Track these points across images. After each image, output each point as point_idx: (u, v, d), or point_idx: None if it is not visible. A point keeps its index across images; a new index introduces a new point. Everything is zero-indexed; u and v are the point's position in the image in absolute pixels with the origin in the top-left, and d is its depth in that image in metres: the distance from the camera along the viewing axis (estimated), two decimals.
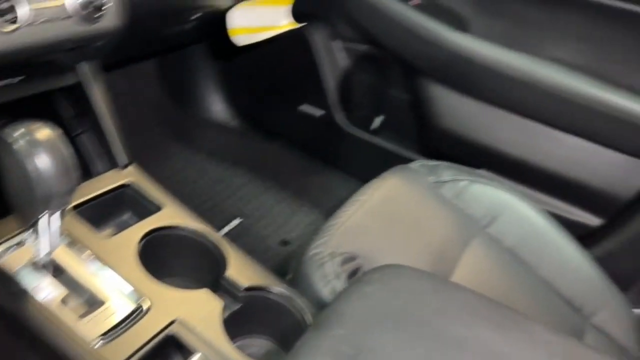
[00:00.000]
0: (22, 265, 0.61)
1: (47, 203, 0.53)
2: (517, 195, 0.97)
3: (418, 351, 0.45)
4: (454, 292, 0.53)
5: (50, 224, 0.57)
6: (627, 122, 1.03)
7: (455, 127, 1.20)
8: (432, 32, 1.13)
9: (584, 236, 1.09)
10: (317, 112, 1.35)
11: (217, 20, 1.04)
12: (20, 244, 0.64)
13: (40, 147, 0.51)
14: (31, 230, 0.58)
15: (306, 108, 1.37)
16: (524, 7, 1.11)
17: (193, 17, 1.00)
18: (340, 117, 1.34)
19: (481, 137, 1.18)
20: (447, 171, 1.01)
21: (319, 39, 1.29)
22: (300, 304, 0.68)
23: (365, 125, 1.34)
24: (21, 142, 0.50)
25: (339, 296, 0.55)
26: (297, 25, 1.09)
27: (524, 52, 1.10)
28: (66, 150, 0.53)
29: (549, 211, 0.99)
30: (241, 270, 0.70)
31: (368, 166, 1.14)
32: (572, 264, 0.95)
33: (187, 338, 0.60)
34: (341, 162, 1.40)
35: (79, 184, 0.55)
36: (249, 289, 0.68)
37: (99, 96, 0.79)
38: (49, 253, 0.59)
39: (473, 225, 0.93)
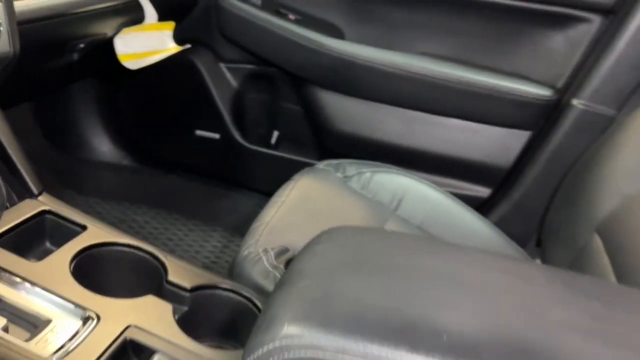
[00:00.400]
0: None
1: None
2: (415, 179, 1.06)
3: (383, 282, 0.49)
4: (396, 236, 0.59)
5: None
6: (494, 97, 1.17)
7: (347, 127, 1.29)
8: (313, 41, 1.21)
9: (479, 207, 1.21)
10: (214, 135, 1.38)
11: (104, 49, 1.04)
12: None
13: None
14: None
15: (202, 133, 1.38)
16: (391, 12, 1.23)
17: (79, 47, 0.99)
18: (238, 137, 1.37)
19: (372, 133, 1.28)
20: (350, 166, 1.08)
21: (204, 62, 1.32)
22: (247, 292, 0.70)
23: (264, 141, 1.39)
24: None
25: (293, 260, 0.57)
26: (182, 48, 1.13)
27: (397, 51, 1.22)
28: None
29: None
30: (182, 274, 0.70)
31: (273, 179, 1.18)
32: (474, 230, 1.05)
33: (145, 339, 0.59)
34: (245, 180, 1.42)
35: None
36: (193, 289, 0.69)
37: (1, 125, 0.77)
38: None
39: (384, 210, 1.01)
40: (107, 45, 1.04)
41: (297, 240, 0.85)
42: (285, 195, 0.95)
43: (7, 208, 0.70)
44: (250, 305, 0.69)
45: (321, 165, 1.07)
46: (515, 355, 0.40)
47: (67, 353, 0.56)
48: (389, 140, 1.27)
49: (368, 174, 1.06)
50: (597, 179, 0.95)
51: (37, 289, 0.62)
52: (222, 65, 1.35)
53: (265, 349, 0.45)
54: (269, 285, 0.75)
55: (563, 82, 1.16)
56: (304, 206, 0.95)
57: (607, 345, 0.41)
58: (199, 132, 1.39)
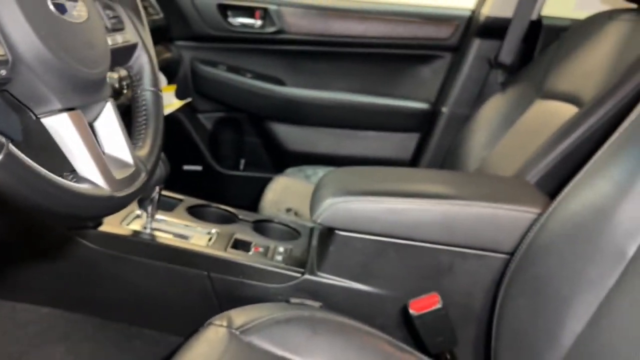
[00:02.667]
0: None
1: None
2: None
3: (376, 178, 1.01)
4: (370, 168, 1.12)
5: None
6: (392, 113, 1.76)
7: (295, 147, 1.81)
8: (266, 89, 1.74)
9: None
10: (197, 167, 1.84)
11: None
12: None
13: None
14: None
15: (189, 167, 1.84)
16: (316, 64, 1.80)
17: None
18: (215, 166, 1.85)
19: (313, 148, 1.81)
20: (306, 169, 1.60)
21: (185, 114, 1.80)
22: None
23: (235, 167, 1.88)
24: None
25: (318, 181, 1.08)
26: (184, 102, 1.61)
27: (321, 89, 1.79)
28: None
29: None
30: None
31: (244, 193, 1.68)
32: None
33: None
34: (222, 198, 1.88)
35: None
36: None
37: None
38: None
39: None
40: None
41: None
42: (275, 185, 1.46)
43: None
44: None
45: (289, 170, 1.59)
46: None
47: None
48: (325, 151, 1.81)
49: (320, 173, 1.59)
50: (464, 151, 1.54)
51: None
52: (199, 115, 1.83)
53: (322, 207, 0.95)
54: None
55: (434, 97, 1.78)
56: (290, 189, 1.45)
57: None
58: (185, 167, 1.84)
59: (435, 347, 0.97)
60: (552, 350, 0.74)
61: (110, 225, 1.03)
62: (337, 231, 0.99)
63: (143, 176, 0.68)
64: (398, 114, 1.78)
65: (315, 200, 1.01)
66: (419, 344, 0.98)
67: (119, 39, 0.73)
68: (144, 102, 0.76)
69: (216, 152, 1.87)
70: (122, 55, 0.75)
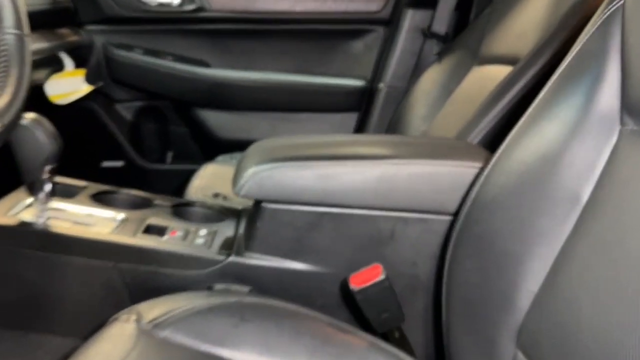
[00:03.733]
0: None
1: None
2: None
3: (299, 144, 0.90)
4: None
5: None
6: (328, 92, 1.67)
7: (226, 134, 1.69)
8: (189, 71, 1.61)
9: None
10: (118, 163, 1.68)
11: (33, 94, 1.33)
12: None
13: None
14: None
15: (108, 163, 1.68)
16: (244, 43, 1.68)
17: None
18: (138, 161, 1.70)
19: (247, 135, 1.68)
20: (239, 156, 1.48)
21: (101, 105, 1.64)
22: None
23: (161, 161, 1.73)
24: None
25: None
26: (95, 86, 1.46)
27: (250, 70, 1.67)
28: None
29: None
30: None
31: (172, 189, 1.54)
32: None
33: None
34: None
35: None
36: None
37: None
38: None
39: None
40: (36, 90, 1.34)
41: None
42: (203, 171, 1.33)
43: None
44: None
45: (219, 158, 1.46)
46: None
47: None
48: (259, 137, 1.67)
49: None
50: (404, 126, 1.46)
51: None
52: (117, 105, 1.68)
53: (244, 177, 0.84)
54: None
55: (370, 74, 1.69)
56: (219, 175, 1.33)
57: None
58: (105, 164, 1.68)
59: (382, 324, 0.86)
60: (508, 314, 0.66)
61: None
62: (263, 204, 0.88)
63: None
64: (334, 93, 1.68)
65: (237, 172, 0.89)
66: (363, 323, 0.87)
67: None
68: (3, 47, 0.62)
69: (139, 145, 1.72)
70: None
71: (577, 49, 0.68)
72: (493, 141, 1.07)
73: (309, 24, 1.67)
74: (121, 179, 1.70)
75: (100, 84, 1.51)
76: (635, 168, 0.56)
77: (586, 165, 0.62)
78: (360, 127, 1.67)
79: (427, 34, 1.59)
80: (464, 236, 0.77)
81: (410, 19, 1.61)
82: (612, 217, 0.56)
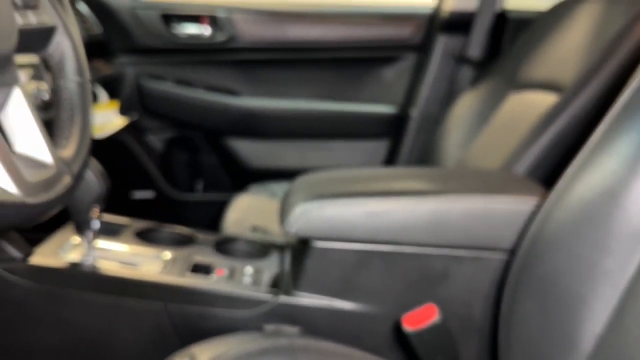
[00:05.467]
0: None
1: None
2: None
3: (347, 181, 0.89)
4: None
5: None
6: (358, 119, 1.66)
7: (256, 163, 1.68)
8: (221, 102, 1.61)
9: None
10: (149, 193, 1.68)
11: None
12: None
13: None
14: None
15: (138, 193, 1.68)
16: (273, 73, 1.68)
17: None
18: (168, 191, 1.69)
19: (276, 163, 1.69)
20: (271, 185, 1.47)
21: (132, 136, 1.64)
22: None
23: (191, 190, 1.73)
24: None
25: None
26: (129, 119, 1.47)
27: (281, 98, 1.67)
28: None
29: None
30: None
31: (203, 219, 1.53)
32: None
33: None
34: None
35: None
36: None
37: None
38: None
39: None
40: None
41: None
42: (237, 203, 1.32)
43: None
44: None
45: (252, 188, 1.46)
46: None
47: None
48: (290, 166, 1.68)
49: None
50: (439, 154, 1.44)
51: None
52: (148, 136, 1.68)
53: (293, 215, 0.83)
54: None
55: (402, 100, 1.68)
56: (255, 206, 1.31)
57: None
58: (136, 195, 1.68)
59: None
60: (570, 357, 0.64)
61: (43, 256, 0.87)
62: (312, 241, 0.86)
63: (67, 180, 0.54)
64: (364, 120, 1.67)
65: (285, 209, 0.88)
66: None
67: (32, 19, 0.59)
68: (67, 95, 0.61)
69: (169, 176, 1.72)
70: (37, 39, 0.61)
71: (638, 79, 0.67)
72: (541, 172, 1.05)
73: (339, 51, 1.67)
74: (152, 210, 1.71)
75: (135, 116, 1.51)
76: None
77: None
78: (392, 155, 1.66)
79: (460, 59, 1.59)
80: (523, 275, 0.75)
81: (443, 44, 1.60)
82: None
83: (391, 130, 1.67)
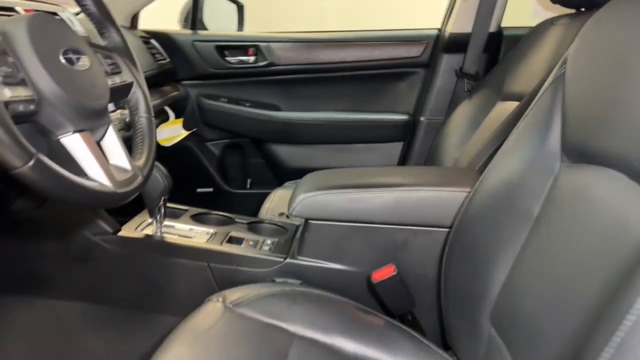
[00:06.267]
0: None
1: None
2: None
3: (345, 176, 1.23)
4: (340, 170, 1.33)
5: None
6: (377, 125, 1.98)
7: (294, 164, 2.04)
8: (264, 115, 1.99)
9: None
10: (209, 189, 2.08)
11: None
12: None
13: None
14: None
15: (202, 189, 2.09)
16: (306, 90, 2.03)
17: None
18: (224, 186, 2.09)
19: (310, 164, 2.03)
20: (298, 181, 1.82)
21: (195, 144, 2.05)
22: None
23: (242, 186, 2.12)
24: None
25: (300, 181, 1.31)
26: (190, 132, 1.87)
27: (313, 111, 2.02)
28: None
29: None
30: None
31: (252, 208, 1.91)
32: None
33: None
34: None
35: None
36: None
37: None
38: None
39: None
40: None
41: None
42: (273, 196, 1.69)
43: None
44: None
45: (286, 183, 1.82)
46: None
47: None
48: (320, 165, 2.02)
49: None
50: (441, 153, 1.74)
51: None
52: (208, 143, 2.08)
53: (295, 202, 1.17)
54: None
55: (413, 109, 1.99)
56: (285, 198, 1.67)
57: None
58: (199, 190, 2.09)
59: (397, 309, 1.17)
60: (485, 298, 0.92)
61: (128, 231, 1.27)
62: (310, 221, 1.21)
63: (140, 179, 0.92)
64: (382, 126, 1.99)
65: (292, 198, 1.23)
66: (384, 308, 1.18)
67: (117, 80, 0.98)
68: (140, 126, 1.00)
69: (225, 175, 2.11)
70: (121, 92, 1.00)
71: (537, 100, 0.95)
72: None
73: (360, 70, 1.99)
74: (211, 201, 2.10)
75: (195, 129, 1.92)
76: (569, 193, 0.79)
77: (536, 190, 0.88)
78: (405, 155, 1.97)
79: (460, 74, 1.87)
80: (454, 243, 1.05)
81: (445, 62, 1.90)
82: (552, 229, 0.80)
83: (404, 134, 1.98)
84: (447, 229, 1.16)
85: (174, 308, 1.28)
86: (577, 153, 0.81)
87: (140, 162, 0.95)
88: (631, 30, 0.76)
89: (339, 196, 1.19)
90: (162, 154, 1.87)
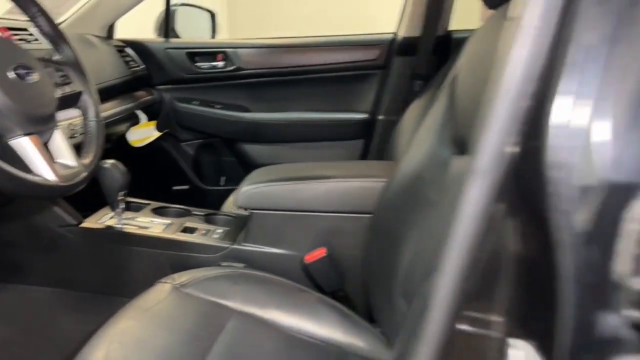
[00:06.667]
0: None
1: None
2: None
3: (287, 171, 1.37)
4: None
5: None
6: (340, 123, 2.12)
7: (262, 160, 2.18)
8: (234, 116, 2.13)
9: None
10: (185, 187, 2.23)
11: (120, 140, 1.91)
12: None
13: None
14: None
15: (177, 187, 2.23)
16: (273, 92, 2.17)
17: (112, 139, 1.85)
18: (199, 184, 2.24)
19: (276, 160, 2.16)
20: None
21: (171, 145, 2.20)
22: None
23: (216, 184, 2.27)
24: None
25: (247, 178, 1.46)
26: (162, 133, 2.02)
27: (279, 112, 2.16)
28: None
29: None
30: None
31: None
32: None
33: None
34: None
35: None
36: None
37: None
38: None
39: None
40: (122, 137, 1.91)
41: None
42: (238, 191, 1.83)
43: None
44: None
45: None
46: None
47: None
48: (285, 161, 2.17)
49: None
50: (395, 150, 1.87)
51: None
52: (182, 144, 2.23)
53: (240, 194, 1.31)
54: None
55: (371, 108, 2.12)
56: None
57: None
58: (175, 188, 2.24)
59: (327, 286, 1.31)
60: (397, 275, 1.05)
61: (90, 222, 1.42)
62: (253, 211, 1.35)
63: (84, 175, 1.06)
64: (343, 125, 2.13)
65: (237, 191, 1.37)
66: (317, 287, 1.32)
67: (67, 89, 1.13)
68: (89, 129, 1.15)
69: (200, 173, 2.26)
70: (71, 99, 1.15)
71: (438, 99, 1.08)
72: None
73: (322, 73, 2.13)
74: (187, 198, 2.25)
75: (167, 130, 2.07)
76: (452, 180, 0.93)
77: (434, 178, 1.02)
78: (365, 151, 2.11)
79: (412, 75, 2.01)
80: (373, 228, 1.19)
81: (399, 64, 2.03)
82: (438, 212, 0.93)
83: (364, 132, 2.11)
84: (370, 215, 1.29)
85: (134, 291, 1.43)
86: (460, 145, 0.95)
87: (87, 160, 1.10)
88: (494, 41, 0.90)
89: (277, 188, 1.33)
90: (140, 154, 2.04)
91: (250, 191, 1.33)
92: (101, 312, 1.45)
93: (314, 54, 2.11)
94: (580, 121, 0.39)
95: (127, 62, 1.96)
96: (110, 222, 1.43)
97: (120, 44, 2.03)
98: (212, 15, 2.32)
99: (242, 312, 1.17)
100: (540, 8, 0.41)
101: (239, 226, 1.48)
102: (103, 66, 1.79)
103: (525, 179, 0.44)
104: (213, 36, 2.34)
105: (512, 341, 0.46)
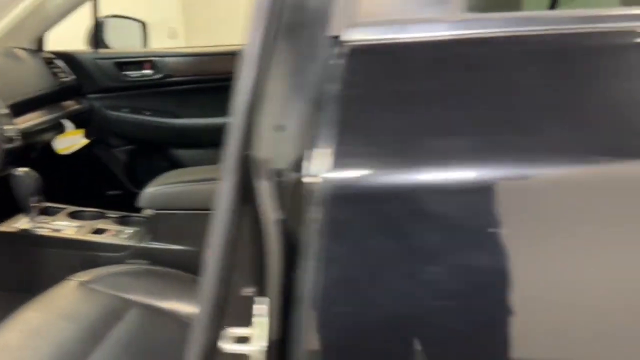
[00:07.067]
0: None
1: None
2: None
3: None
4: None
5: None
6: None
7: (193, 165, 2.27)
8: (164, 122, 2.22)
9: None
10: (119, 191, 2.31)
11: (46, 148, 1.99)
12: None
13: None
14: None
15: (111, 192, 2.32)
16: (200, 97, 2.27)
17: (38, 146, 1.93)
18: (132, 188, 2.32)
19: (204, 164, 2.27)
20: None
21: (101, 151, 2.28)
22: None
23: None
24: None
25: None
26: (89, 140, 2.10)
27: (206, 117, 2.26)
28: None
29: None
30: None
31: None
32: None
33: None
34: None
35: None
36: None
37: None
38: None
39: None
40: (48, 147, 1.99)
41: None
42: None
43: None
44: None
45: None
46: None
47: None
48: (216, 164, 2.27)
49: None
50: None
51: None
52: (114, 150, 2.31)
53: (143, 195, 1.41)
54: None
55: None
56: None
57: None
58: (109, 193, 2.31)
59: None
60: None
61: (5, 226, 1.51)
62: (157, 211, 1.45)
63: None
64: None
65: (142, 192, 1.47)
66: None
67: None
68: None
69: (132, 178, 2.34)
70: None
71: None
72: None
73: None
74: (121, 203, 2.33)
75: (93, 138, 2.15)
76: None
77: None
78: None
79: None
80: None
81: None
82: None
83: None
84: None
85: (46, 288, 1.52)
86: None
87: None
88: None
89: (178, 189, 1.43)
90: (71, 162, 2.11)
91: (153, 192, 1.43)
92: (15, 310, 1.54)
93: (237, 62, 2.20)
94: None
95: (55, 74, 2.04)
96: (26, 226, 1.52)
97: (50, 55, 2.11)
98: (143, 25, 2.41)
99: (142, 303, 1.26)
100: None
101: (150, 227, 1.57)
102: (28, 78, 1.87)
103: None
104: (144, 45, 2.43)
105: (257, 299, 0.58)
